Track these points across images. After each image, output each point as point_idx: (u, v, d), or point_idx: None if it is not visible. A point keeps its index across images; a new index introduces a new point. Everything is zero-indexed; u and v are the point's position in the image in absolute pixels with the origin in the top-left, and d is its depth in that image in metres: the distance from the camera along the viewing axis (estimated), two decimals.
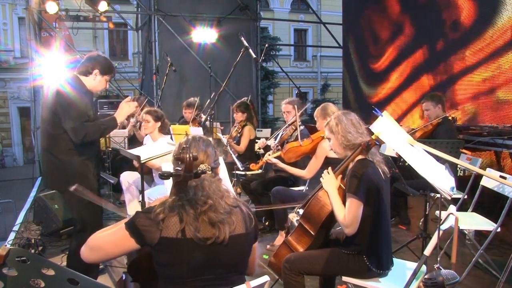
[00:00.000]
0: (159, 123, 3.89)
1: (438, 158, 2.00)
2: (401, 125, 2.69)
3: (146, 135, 4.09)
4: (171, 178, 1.41)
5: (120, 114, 2.89)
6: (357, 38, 8.25)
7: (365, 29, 7.76)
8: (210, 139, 1.67)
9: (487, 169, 3.21)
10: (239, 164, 3.81)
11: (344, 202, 2.09)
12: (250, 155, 4.65)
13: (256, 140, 4.86)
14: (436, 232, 1.95)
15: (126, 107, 2.91)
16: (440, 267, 2.02)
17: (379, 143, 2.12)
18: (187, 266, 1.44)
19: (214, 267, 1.48)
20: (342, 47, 9.15)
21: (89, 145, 2.77)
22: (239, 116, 4.78)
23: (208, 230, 1.44)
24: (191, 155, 1.36)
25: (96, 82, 2.79)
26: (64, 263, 3.03)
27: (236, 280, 1.51)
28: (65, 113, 2.60)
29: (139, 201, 3.62)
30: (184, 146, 1.47)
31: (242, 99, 5.22)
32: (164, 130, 3.96)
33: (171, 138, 3.80)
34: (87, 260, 1.48)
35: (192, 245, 1.42)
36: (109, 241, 1.47)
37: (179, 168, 1.37)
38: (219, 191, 1.51)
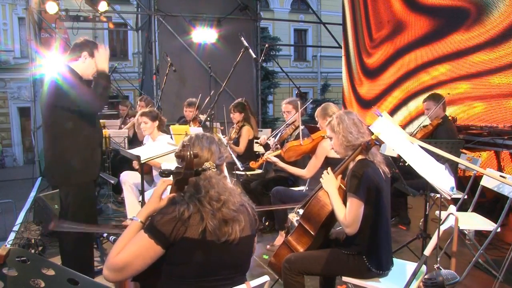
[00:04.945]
0: (156, 122, 4.00)
1: (438, 158, 2.00)
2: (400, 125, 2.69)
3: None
4: (171, 176, 1.41)
5: (101, 62, 2.77)
6: (355, 36, 8.22)
7: (363, 27, 7.73)
8: (214, 136, 1.66)
9: (487, 169, 3.21)
10: (239, 164, 3.81)
11: (344, 202, 2.09)
12: (249, 155, 4.64)
13: (256, 140, 4.85)
14: (436, 232, 1.95)
15: (103, 53, 2.79)
16: (440, 267, 2.02)
17: (379, 143, 2.12)
18: (199, 267, 1.44)
19: (221, 268, 1.49)
20: (342, 47, 9.13)
21: (92, 138, 2.80)
22: (236, 117, 4.77)
23: (222, 227, 1.45)
24: (191, 152, 1.36)
25: (86, 65, 2.77)
26: None
27: (238, 280, 1.52)
28: (72, 105, 2.61)
29: (139, 201, 3.63)
30: (185, 144, 1.47)
31: (237, 99, 5.20)
32: (162, 127, 4.07)
33: (171, 137, 3.81)
34: (113, 281, 1.45)
35: (210, 245, 1.43)
36: (134, 256, 1.41)
37: (180, 166, 1.37)
38: (226, 188, 1.52)
